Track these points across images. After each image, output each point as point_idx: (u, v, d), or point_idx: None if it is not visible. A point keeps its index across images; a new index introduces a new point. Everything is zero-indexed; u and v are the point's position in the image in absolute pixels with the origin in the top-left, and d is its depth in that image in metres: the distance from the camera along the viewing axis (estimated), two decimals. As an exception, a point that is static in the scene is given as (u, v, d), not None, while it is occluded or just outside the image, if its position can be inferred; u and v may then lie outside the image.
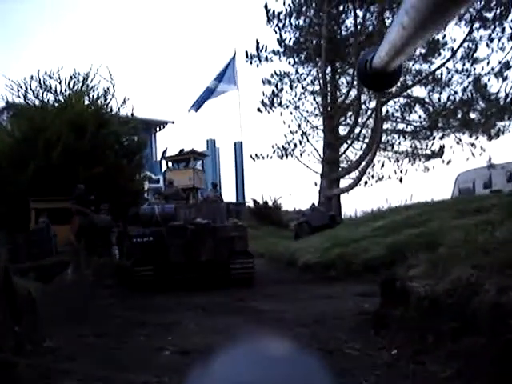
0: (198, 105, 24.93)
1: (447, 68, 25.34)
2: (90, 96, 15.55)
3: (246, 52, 25.89)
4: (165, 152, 21.22)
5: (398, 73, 1.44)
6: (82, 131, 13.96)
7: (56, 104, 15.24)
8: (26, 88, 14.97)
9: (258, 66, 25.99)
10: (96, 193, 12.47)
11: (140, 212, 11.83)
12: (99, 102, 15.54)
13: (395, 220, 13.45)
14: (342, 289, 10.29)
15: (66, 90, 15.43)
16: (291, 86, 26.29)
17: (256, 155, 26.06)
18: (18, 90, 14.94)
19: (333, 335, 6.21)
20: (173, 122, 27.78)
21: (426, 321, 5.02)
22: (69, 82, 15.36)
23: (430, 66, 25.92)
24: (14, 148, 13.88)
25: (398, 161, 26.89)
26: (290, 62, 26.30)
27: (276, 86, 26.17)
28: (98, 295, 10.40)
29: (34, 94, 15.11)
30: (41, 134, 13.73)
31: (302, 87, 26.41)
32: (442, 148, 26.17)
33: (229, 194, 27.05)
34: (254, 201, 27.78)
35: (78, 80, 15.36)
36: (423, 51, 25.56)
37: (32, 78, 15.08)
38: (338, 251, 12.23)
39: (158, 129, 28.09)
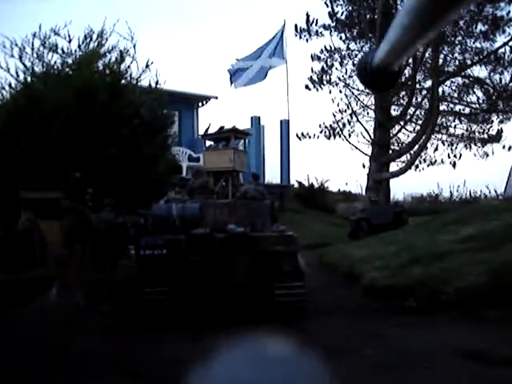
0: (242, 81, 20.73)
1: (510, 47, 20.49)
2: (105, 60, 11.11)
3: (296, 25, 21.60)
4: (207, 129, 17.08)
5: (398, 74, 1.11)
6: (91, 101, 9.74)
7: (65, 68, 10.84)
8: (24, 47, 10.55)
9: (307, 40, 21.70)
10: (99, 183, 8.30)
11: (152, 212, 7.65)
12: (115, 66, 11.08)
13: (490, 228, 8.99)
14: (430, 335, 6.17)
15: (76, 51, 11.01)
16: (341, 63, 22.03)
17: (302, 134, 21.79)
18: (12, 49, 10.53)
19: None
20: (216, 98, 23.50)
21: None
22: (82, 41, 10.99)
23: (491, 44, 21.10)
24: (4, 121, 9.75)
25: (452, 144, 22.31)
26: (341, 38, 21.96)
27: (326, 62, 21.87)
28: (85, 328, 6.53)
29: (33, 53, 10.64)
30: (38, 103, 9.57)
31: (353, 64, 21.88)
32: (499, 132, 21.73)
33: (273, 176, 22.80)
34: (300, 183, 23.52)
35: (91, 39, 10.94)
36: (484, 28, 20.86)
37: (34, 35, 10.61)
38: (419, 272, 7.90)
39: (200, 104, 23.85)
